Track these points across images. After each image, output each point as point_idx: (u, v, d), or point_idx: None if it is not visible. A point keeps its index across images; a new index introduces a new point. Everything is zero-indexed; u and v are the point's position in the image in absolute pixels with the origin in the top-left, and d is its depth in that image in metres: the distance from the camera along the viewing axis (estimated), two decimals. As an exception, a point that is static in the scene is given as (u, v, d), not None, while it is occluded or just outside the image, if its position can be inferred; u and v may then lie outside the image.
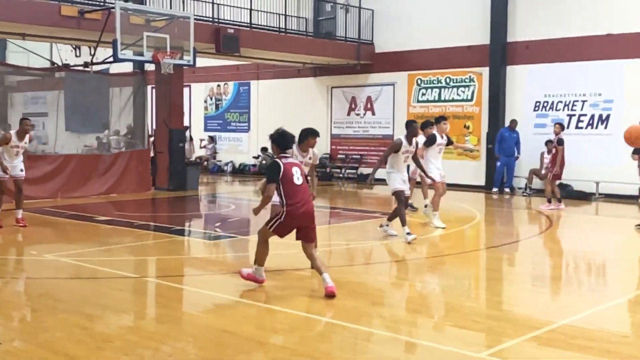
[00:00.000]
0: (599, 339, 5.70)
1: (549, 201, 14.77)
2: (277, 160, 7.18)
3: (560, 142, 14.77)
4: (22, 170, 11.73)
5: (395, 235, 10.61)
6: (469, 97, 19.71)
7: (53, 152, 16.81)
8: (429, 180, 12.06)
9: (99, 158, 16.94)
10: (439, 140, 11.93)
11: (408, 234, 10.29)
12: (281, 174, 7.04)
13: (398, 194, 10.55)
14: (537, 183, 17.62)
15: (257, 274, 7.36)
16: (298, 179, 7.13)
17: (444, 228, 11.61)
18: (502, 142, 18.18)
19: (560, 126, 15.08)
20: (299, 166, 7.34)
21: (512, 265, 9.65)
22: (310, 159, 8.61)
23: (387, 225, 10.88)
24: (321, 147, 21.18)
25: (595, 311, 6.62)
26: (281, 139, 7.30)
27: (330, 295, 6.88)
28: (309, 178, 8.19)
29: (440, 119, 12.39)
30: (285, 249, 8.53)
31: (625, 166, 16.55)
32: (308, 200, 7.25)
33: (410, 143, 10.62)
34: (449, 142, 12.43)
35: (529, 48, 18.44)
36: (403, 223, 10.36)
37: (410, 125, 10.73)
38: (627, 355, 5.31)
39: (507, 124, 18.46)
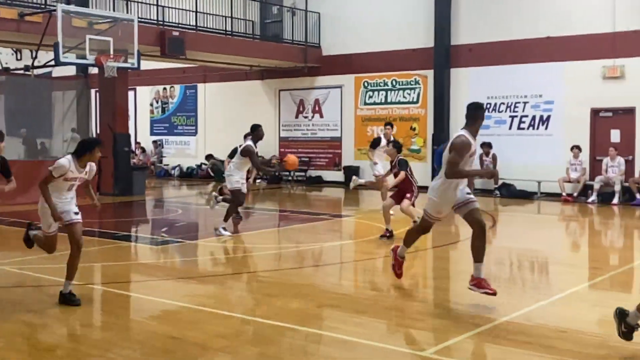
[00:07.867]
0: (538, 335, 5.86)
1: None
2: None
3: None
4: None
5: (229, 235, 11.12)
6: (415, 100, 19.98)
7: (-7, 157, 16.36)
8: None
9: (42, 164, 16.54)
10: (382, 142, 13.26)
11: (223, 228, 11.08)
12: None
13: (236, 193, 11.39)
14: (481, 183, 18.05)
15: None
16: None
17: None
18: (440, 158, 18.56)
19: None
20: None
21: (455, 263, 9.82)
22: (86, 174, 7.21)
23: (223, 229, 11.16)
24: (269, 149, 21.20)
25: (534, 308, 6.81)
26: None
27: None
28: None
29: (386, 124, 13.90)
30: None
31: (564, 166, 17.09)
32: None
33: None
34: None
35: (472, 51, 18.80)
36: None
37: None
38: (564, 349, 5.48)
39: (456, 124, 18.82)
